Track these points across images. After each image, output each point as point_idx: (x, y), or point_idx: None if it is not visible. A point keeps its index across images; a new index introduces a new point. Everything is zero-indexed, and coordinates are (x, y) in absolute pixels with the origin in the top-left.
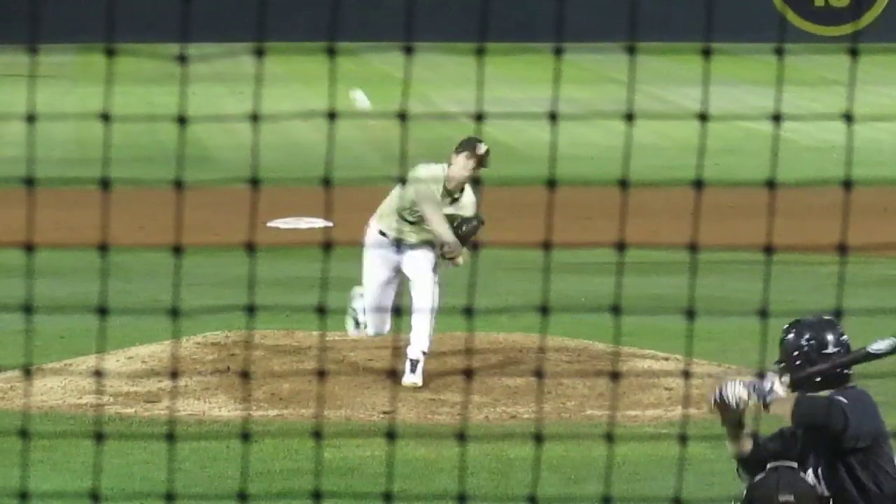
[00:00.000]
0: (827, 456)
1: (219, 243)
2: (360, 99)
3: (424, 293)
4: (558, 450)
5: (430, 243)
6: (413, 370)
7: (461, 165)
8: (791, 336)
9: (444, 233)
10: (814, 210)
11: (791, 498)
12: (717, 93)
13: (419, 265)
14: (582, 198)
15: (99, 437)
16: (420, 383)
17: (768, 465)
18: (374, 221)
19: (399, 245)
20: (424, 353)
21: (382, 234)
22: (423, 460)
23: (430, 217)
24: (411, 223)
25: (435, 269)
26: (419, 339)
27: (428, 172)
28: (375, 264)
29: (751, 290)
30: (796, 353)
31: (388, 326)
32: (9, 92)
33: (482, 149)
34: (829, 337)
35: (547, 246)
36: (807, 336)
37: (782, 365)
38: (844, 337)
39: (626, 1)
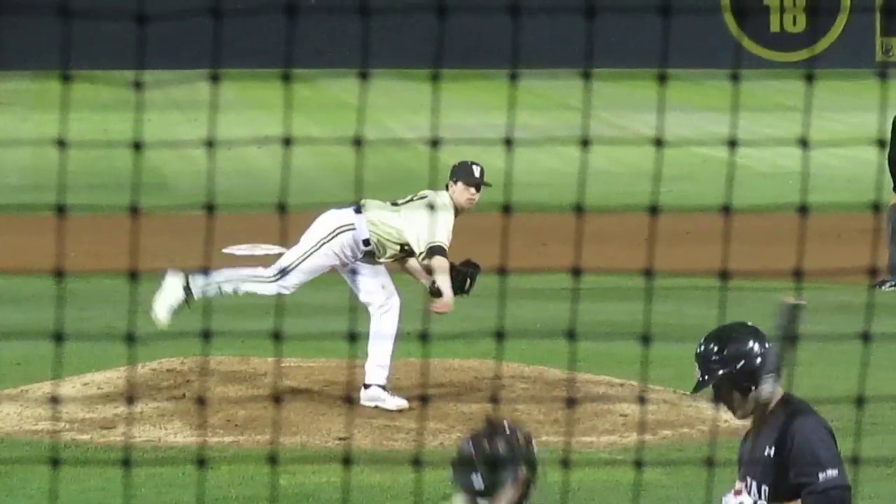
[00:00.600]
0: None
1: (175, 269)
2: None
3: (385, 320)
4: None
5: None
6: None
7: (461, 193)
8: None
9: (447, 290)
10: (769, 236)
11: None
12: (672, 119)
13: (373, 293)
14: (537, 224)
15: (55, 462)
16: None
17: None
18: (363, 221)
19: (368, 262)
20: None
21: (367, 242)
22: (379, 486)
23: (442, 271)
24: (398, 258)
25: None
26: (377, 369)
27: (445, 207)
28: (329, 259)
29: (706, 315)
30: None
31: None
32: None
33: (478, 171)
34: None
35: (503, 271)
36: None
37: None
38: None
39: (581, 27)
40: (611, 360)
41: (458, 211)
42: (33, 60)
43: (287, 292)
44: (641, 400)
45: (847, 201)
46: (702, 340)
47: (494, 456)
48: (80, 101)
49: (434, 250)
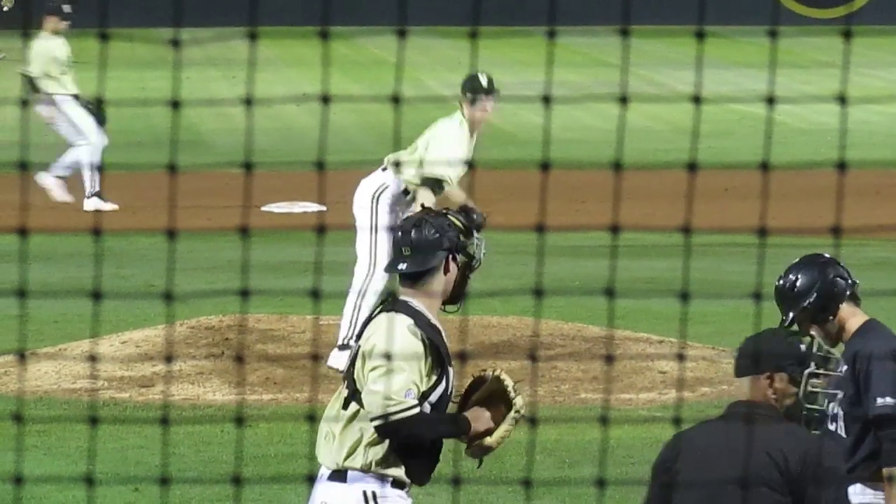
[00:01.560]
0: None
1: (212, 228)
2: None
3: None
4: (552, 433)
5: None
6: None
7: (472, 108)
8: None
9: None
10: (807, 192)
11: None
12: (710, 76)
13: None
14: (575, 181)
15: (93, 421)
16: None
17: None
18: (390, 175)
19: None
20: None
21: (406, 192)
22: None
23: (458, 191)
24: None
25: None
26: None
27: (459, 131)
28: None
29: (745, 272)
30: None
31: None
32: (2, 77)
33: (485, 79)
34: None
35: (541, 229)
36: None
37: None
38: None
39: None
40: (649, 318)
41: (473, 127)
42: (70, 18)
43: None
44: (680, 357)
45: (885, 158)
46: (781, 274)
47: (420, 242)
48: (118, 59)
49: (437, 178)
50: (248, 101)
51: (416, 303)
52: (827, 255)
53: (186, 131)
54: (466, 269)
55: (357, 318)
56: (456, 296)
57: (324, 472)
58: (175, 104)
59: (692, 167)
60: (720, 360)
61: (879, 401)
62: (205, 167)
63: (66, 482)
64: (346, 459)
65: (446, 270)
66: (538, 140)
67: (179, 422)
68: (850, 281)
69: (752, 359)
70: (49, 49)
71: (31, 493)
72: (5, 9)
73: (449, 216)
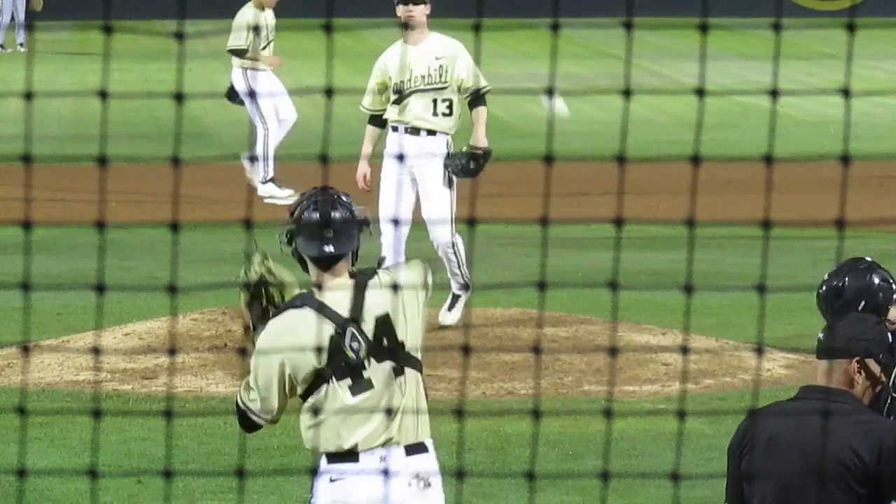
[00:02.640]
0: None
1: (216, 219)
2: (557, 105)
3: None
4: (556, 425)
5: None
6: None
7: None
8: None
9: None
10: (811, 185)
11: (821, 336)
12: (714, 68)
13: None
14: (579, 173)
15: (96, 413)
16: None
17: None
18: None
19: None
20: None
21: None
22: None
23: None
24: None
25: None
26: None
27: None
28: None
29: (748, 264)
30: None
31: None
32: (5, 69)
33: None
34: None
35: (544, 221)
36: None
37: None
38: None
39: None
40: (653, 310)
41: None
42: (74, 11)
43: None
44: (684, 349)
45: (888, 150)
46: (823, 280)
47: (342, 222)
48: (121, 51)
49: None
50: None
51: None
52: (868, 259)
53: (189, 123)
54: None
55: (462, 261)
56: None
57: (397, 449)
58: (179, 97)
59: (696, 159)
60: (723, 351)
61: None
62: (208, 159)
63: (69, 474)
64: (422, 432)
65: (357, 246)
66: (541, 132)
67: (182, 414)
68: (894, 285)
69: (843, 342)
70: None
71: (34, 486)
72: (38, 9)
73: (341, 196)
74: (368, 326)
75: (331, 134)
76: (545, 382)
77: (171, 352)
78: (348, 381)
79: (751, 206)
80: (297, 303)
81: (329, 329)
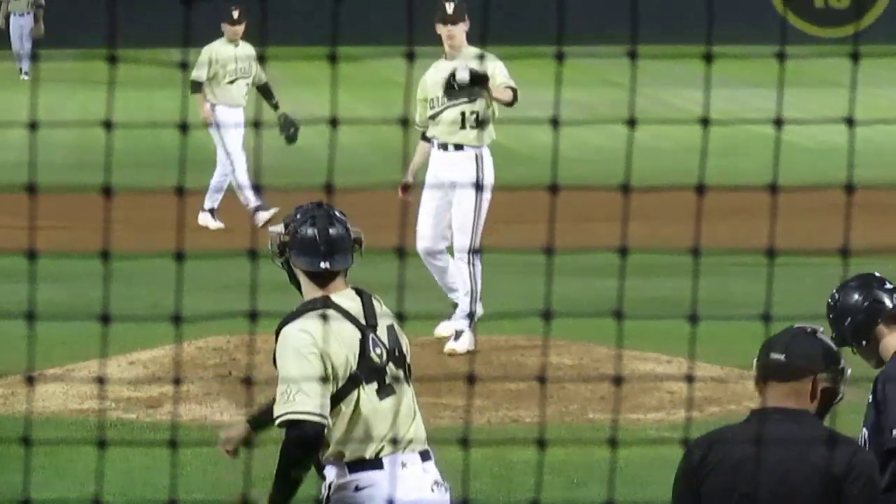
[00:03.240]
0: None
1: (220, 248)
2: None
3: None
4: (561, 453)
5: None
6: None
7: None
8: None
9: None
10: (816, 212)
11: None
12: (718, 95)
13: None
14: (583, 201)
15: (101, 442)
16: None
17: None
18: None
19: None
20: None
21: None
22: None
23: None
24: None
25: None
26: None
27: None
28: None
29: (753, 292)
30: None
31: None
32: (9, 97)
33: (450, 7)
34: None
35: (549, 249)
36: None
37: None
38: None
39: (626, 3)
40: (658, 337)
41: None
42: (78, 40)
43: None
44: (689, 377)
45: (893, 176)
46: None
47: (341, 239)
48: (125, 79)
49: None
50: (256, 123)
51: None
52: (877, 275)
53: (194, 151)
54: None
55: (476, 279)
56: None
57: (413, 455)
58: (183, 126)
59: (700, 187)
60: (728, 379)
61: (895, 432)
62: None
63: (73, 503)
64: (426, 439)
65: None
66: (546, 159)
67: (187, 443)
68: (891, 303)
69: (801, 361)
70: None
71: None
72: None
73: (336, 212)
74: (383, 333)
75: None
76: (550, 410)
77: (176, 380)
78: (375, 384)
79: (755, 234)
80: (319, 305)
81: (357, 333)
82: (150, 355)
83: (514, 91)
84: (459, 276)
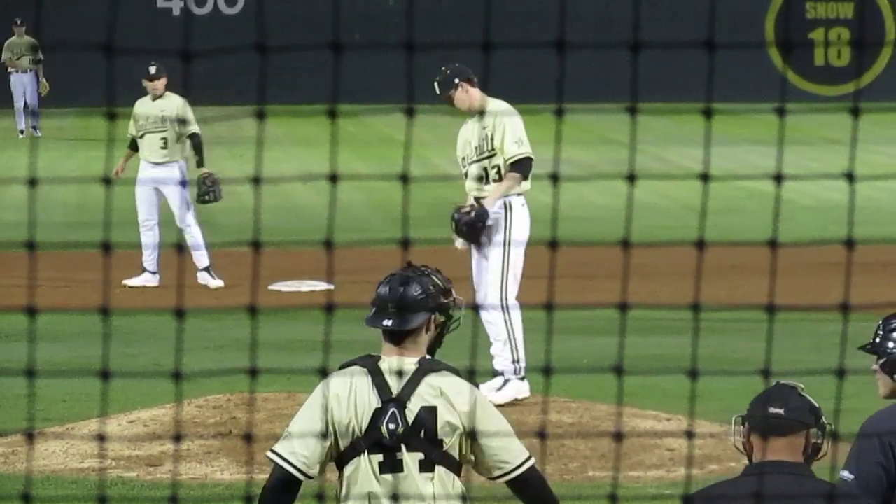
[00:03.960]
0: None
1: (220, 306)
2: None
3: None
4: None
5: None
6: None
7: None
8: None
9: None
10: (815, 269)
11: (781, 411)
12: (717, 152)
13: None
14: (583, 258)
15: (102, 500)
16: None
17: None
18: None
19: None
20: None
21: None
22: None
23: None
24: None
25: None
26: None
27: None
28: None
29: (753, 349)
30: None
31: None
32: (10, 155)
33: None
34: None
35: (549, 306)
36: None
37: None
38: None
39: (626, 61)
40: (658, 395)
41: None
42: (78, 97)
43: (516, 304)
44: (689, 434)
45: (892, 234)
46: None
47: (406, 300)
48: (124, 137)
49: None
50: (256, 180)
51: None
52: None
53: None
54: (444, 329)
55: (513, 329)
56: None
57: None
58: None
59: (700, 244)
60: (728, 437)
61: (842, 473)
62: (212, 246)
63: None
64: None
65: (427, 330)
66: (546, 217)
67: (188, 501)
68: None
69: (798, 415)
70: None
71: None
72: (43, 94)
73: (432, 276)
74: (412, 412)
75: (335, 220)
76: (550, 468)
77: (176, 439)
78: (380, 457)
79: (755, 291)
80: (359, 363)
81: (375, 401)
82: (150, 414)
83: (521, 162)
84: (494, 329)
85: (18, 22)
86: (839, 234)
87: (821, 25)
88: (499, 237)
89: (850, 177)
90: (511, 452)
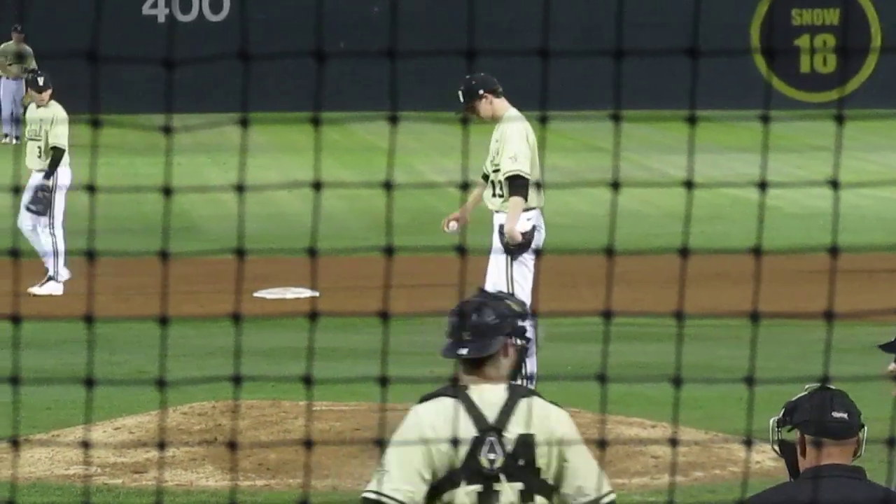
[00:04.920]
0: None
1: (205, 314)
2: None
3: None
4: None
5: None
6: None
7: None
8: None
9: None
10: (800, 276)
11: (845, 416)
12: (702, 160)
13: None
14: (567, 266)
15: None
16: None
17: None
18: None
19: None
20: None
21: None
22: None
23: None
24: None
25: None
26: None
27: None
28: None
29: (737, 356)
30: None
31: None
32: None
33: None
34: None
35: (533, 314)
36: None
37: None
38: None
39: (610, 69)
40: (642, 402)
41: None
42: (61, 104)
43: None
44: (673, 442)
45: (876, 241)
46: None
47: (480, 327)
48: (108, 145)
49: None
50: (240, 188)
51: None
52: None
53: (178, 217)
54: (522, 353)
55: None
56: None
57: None
58: (167, 191)
59: (684, 251)
60: (713, 444)
61: None
62: (196, 253)
63: None
64: None
65: (505, 355)
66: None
67: None
68: None
69: (853, 420)
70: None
71: None
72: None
73: (505, 300)
74: (510, 440)
75: (319, 228)
76: None
77: (161, 446)
78: (479, 487)
79: (739, 299)
80: (450, 392)
81: (472, 430)
82: (135, 421)
83: (512, 179)
84: None
85: (18, 28)
86: (824, 242)
87: (806, 32)
88: (499, 244)
89: (834, 184)
90: (595, 482)
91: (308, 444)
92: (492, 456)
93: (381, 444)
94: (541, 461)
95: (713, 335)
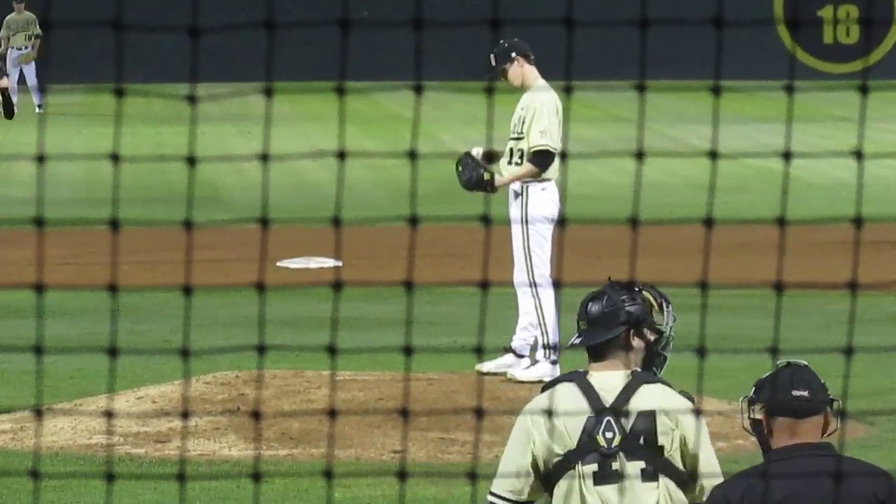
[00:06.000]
0: None
1: (229, 283)
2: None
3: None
4: None
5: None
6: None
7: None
8: None
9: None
10: (824, 247)
11: (805, 393)
12: (726, 131)
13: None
14: (591, 236)
15: (110, 477)
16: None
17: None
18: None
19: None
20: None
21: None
22: (434, 499)
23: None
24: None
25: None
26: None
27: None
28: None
29: (761, 327)
30: None
31: None
32: (18, 132)
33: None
34: None
35: (557, 285)
36: None
37: None
38: None
39: (635, 39)
40: (665, 372)
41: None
42: (86, 74)
43: (548, 283)
44: (696, 412)
45: None
46: None
47: (595, 315)
48: (133, 114)
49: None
50: (265, 157)
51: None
52: None
53: (202, 187)
54: (655, 346)
55: (543, 311)
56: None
57: None
58: (191, 160)
59: (708, 222)
60: (735, 415)
61: None
62: (221, 223)
63: None
64: None
65: (628, 347)
66: None
67: (196, 477)
68: None
69: (821, 394)
70: None
71: None
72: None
73: (633, 291)
74: (628, 419)
75: (343, 197)
76: None
77: (185, 415)
78: (595, 467)
79: (764, 269)
80: (567, 377)
81: (588, 410)
82: (158, 391)
83: (540, 154)
84: (523, 308)
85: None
86: (847, 212)
87: (829, 3)
88: (515, 214)
89: (858, 154)
90: (719, 477)
91: (331, 413)
92: (609, 434)
93: (404, 413)
94: (663, 438)
95: (737, 305)
